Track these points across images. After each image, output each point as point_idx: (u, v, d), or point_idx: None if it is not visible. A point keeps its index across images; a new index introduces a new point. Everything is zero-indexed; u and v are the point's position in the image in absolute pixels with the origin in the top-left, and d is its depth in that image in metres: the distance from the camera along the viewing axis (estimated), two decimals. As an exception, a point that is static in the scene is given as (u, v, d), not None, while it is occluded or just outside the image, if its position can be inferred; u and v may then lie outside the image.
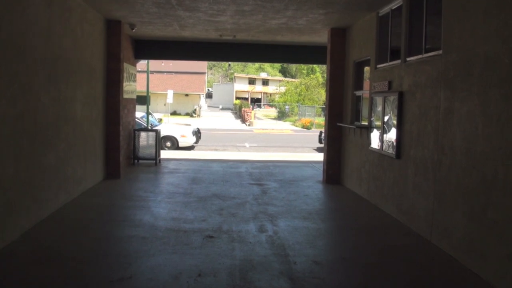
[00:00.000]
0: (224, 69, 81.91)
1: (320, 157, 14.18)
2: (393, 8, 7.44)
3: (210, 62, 66.92)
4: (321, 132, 20.05)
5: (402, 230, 6.41)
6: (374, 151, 8.00)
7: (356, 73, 9.47)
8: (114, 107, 9.75)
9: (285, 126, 36.63)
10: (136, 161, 12.27)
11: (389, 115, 7.34)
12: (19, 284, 4.27)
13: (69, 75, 7.28)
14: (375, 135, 8.00)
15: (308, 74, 57.02)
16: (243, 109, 44.84)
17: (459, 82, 5.21)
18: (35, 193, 6.03)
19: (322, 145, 19.11)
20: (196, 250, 5.28)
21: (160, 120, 23.24)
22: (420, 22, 6.40)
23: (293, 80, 59.95)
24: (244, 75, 71.39)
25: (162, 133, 16.27)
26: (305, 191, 9.19)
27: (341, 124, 9.83)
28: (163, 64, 49.16)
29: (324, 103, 16.94)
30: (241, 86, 67.19)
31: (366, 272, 4.86)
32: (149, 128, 15.23)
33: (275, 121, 42.31)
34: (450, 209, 5.31)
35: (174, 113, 46.19)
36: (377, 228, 6.60)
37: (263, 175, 11.14)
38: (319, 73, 55.12)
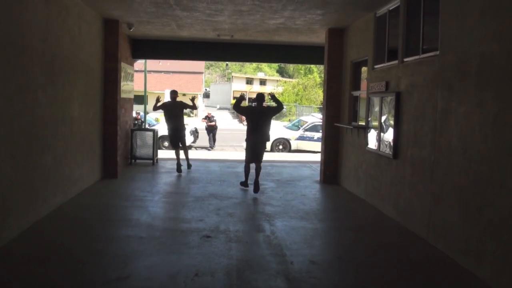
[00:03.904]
0: (221, 69, 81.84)
1: (317, 157, 14.19)
2: (390, 8, 7.46)
3: (207, 62, 66.84)
4: None
5: (399, 230, 6.43)
6: (371, 151, 8.01)
7: (353, 74, 9.48)
8: (112, 107, 9.73)
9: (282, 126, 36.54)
10: (133, 160, 12.25)
11: (386, 115, 7.36)
12: (16, 283, 4.26)
13: (66, 75, 7.26)
14: (372, 135, 8.02)
15: (305, 74, 56.97)
16: (240, 109, 44.73)
17: (456, 82, 5.23)
18: (32, 192, 6.02)
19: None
20: (193, 250, 5.29)
21: (157, 120, 23.21)
22: (417, 22, 6.42)
23: (291, 80, 59.93)
24: (242, 75, 71.32)
25: (160, 133, 16.25)
26: (303, 191, 9.20)
27: (338, 124, 9.84)
28: (160, 64, 49.10)
29: (322, 103, 16.96)
30: (239, 86, 67.08)
31: (362, 272, 4.87)
32: (147, 127, 15.21)
33: (272, 121, 42.18)
34: (447, 209, 5.33)
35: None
36: (374, 228, 6.62)
37: (260, 175, 11.13)
38: (316, 73, 55.10)
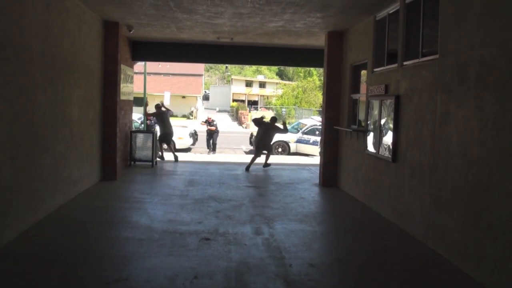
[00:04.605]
0: (221, 71, 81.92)
1: (316, 160, 14.21)
2: (390, 12, 7.48)
3: (207, 65, 66.89)
4: (251, 134, 19.88)
5: (397, 233, 6.43)
6: (370, 154, 8.02)
7: (353, 77, 9.50)
8: (111, 109, 9.74)
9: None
10: (132, 162, 12.25)
11: (385, 118, 7.37)
12: (14, 285, 4.26)
13: (66, 76, 7.27)
14: (371, 139, 8.03)
15: (305, 77, 57.01)
16: (240, 111, 44.83)
17: (455, 86, 5.24)
18: (31, 194, 6.02)
19: (252, 147, 19.07)
20: (192, 252, 5.28)
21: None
22: (417, 26, 6.43)
23: (290, 83, 59.96)
24: (241, 78, 71.34)
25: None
26: (302, 193, 9.20)
27: (338, 127, 9.85)
28: (160, 66, 49.12)
29: (321, 106, 17.01)
30: (238, 89, 67.14)
31: (361, 275, 4.88)
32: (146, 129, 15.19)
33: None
34: (446, 212, 5.33)
35: (170, 115, 46.03)
36: (373, 231, 6.62)
37: (259, 177, 11.15)
38: (316, 76, 55.17)
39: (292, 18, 8.57)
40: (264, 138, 12.42)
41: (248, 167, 12.20)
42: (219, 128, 18.01)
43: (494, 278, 4.39)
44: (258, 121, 13.11)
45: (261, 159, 12.65)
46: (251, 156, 12.98)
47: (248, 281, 4.50)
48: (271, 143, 13.13)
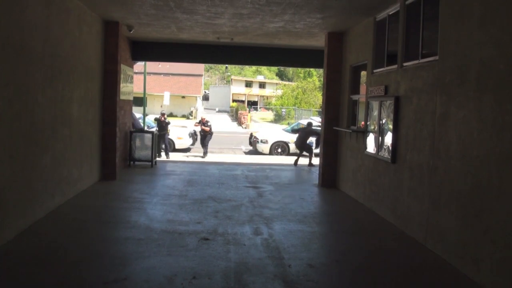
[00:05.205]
0: (221, 71, 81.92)
1: (316, 161, 14.22)
2: (390, 13, 7.49)
3: (207, 65, 66.89)
4: (251, 134, 19.94)
5: (396, 234, 6.44)
6: (370, 155, 8.02)
7: (352, 77, 9.50)
8: (111, 108, 9.75)
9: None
10: (132, 162, 12.25)
11: (385, 119, 7.37)
12: (13, 284, 4.26)
13: (66, 76, 7.27)
14: (371, 140, 8.04)
15: (305, 78, 57.10)
16: (239, 111, 44.81)
17: (455, 87, 5.25)
18: (31, 193, 6.02)
19: (251, 148, 19.12)
20: (191, 252, 5.29)
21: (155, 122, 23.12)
22: (416, 27, 6.44)
23: (290, 83, 60.02)
24: (241, 78, 71.38)
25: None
26: (301, 194, 9.21)
27: (337, 128, 9.86)
28: (160, 66, 49.13)
29: (321, 107, 17.03)
30: (238, 89, 67.17)
31: (359, 276, 4.88)
32: (146, 129, 15.18)
33: (271, 124, 42.30)
34: (445, 213, 5.34)
35: (170, 115, 46.09)
36: (371, 232, 6.62)
37: (259, 178, 11.15)
38: (315, 76, 55.20)
39: (292, 19, 8.58)
40: (301, 140, 14.47)
41: (295, 163, 14.20)
42: (212, 130, 17.51)
43: (493, 279, 4.40)
44: (296, 130, 15.92)
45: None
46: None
47: (247, 281, 4.50)
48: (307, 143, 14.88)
